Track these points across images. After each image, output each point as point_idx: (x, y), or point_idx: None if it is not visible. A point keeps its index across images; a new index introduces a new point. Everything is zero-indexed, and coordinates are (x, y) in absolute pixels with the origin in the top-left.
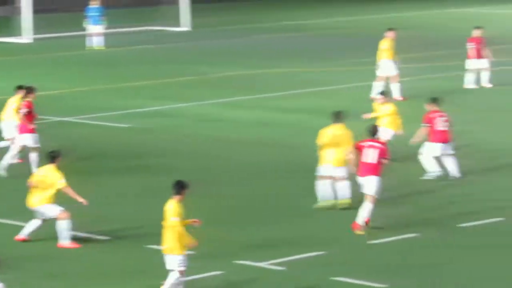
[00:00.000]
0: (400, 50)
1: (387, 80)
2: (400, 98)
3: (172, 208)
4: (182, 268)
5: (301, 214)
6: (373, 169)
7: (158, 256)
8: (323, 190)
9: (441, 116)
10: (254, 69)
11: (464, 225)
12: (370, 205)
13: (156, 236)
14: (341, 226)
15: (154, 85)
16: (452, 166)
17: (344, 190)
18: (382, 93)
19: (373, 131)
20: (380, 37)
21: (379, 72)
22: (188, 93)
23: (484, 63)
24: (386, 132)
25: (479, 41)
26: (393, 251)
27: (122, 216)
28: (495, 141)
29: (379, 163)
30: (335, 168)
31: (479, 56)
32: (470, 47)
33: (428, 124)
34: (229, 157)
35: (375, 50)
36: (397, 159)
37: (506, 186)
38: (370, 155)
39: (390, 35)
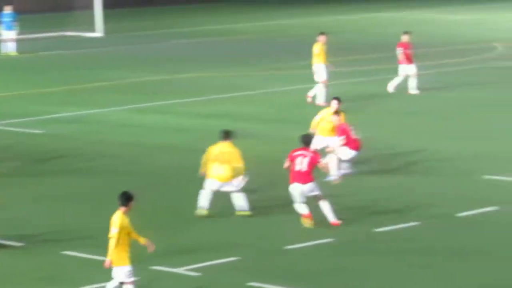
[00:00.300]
0: (328, 54)
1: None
2: (323, 104)
3: (116, 219)
4: (132, 279)
5: (215, 220)
6: (305, 176)
7: (74, 263)
8: (203, 200)
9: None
10: (170, 74)
11: (379, 230)
12: (325, 203)
13: (71, 241)
14: (256, 232)
15: (67, 91)
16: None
17: (240, 202)
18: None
19: (305, 140)
20: (301, 41)
21: (316, 77)
22: (102, 99)
23: (412, 68)
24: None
25: (407, 46)
26: (308, 256)
27: (37, 221)
28: (410, 145)
29: (310, 170)
30: (221, 183)
31: (409, 61)
32: (399, 52)
33: (343, 137)
34: (140, 162)
35: (295, 54)
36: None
37: (424, 191)
38: (301, 164)
39: (321, 39)
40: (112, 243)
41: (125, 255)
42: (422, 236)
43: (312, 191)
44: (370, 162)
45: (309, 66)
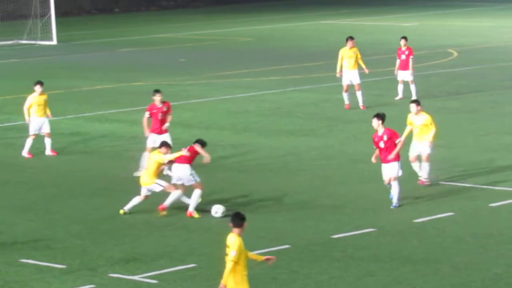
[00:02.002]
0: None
1: None
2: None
3: (234, 241)
4: None
5: (172, 227)
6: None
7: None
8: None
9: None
10: (117, 82)
11: (335, 236)
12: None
13: (27, 249)
14: (212, 239)
15: (17, 99)
16: None
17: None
18: None
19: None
20: (243, 49)
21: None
22: (54, 108)
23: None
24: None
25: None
26: (263, 263)
27: None
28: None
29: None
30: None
31: (403, 67)
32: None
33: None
34: (91, 169)
35: (240, 63)
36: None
37: (382, 197)
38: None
39: (348, 44)
40: (230, 266)
41: (241, 279)
42: (378, 243)
43: None
44: (327, 169)
45: (251, 74)
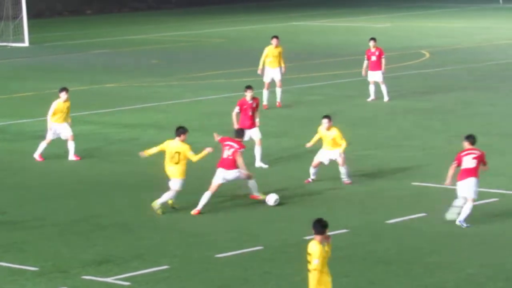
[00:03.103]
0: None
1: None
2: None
3: (316, 249)
4: None
5: (144, 229)
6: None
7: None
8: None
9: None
10: (93, 84)
11: (309, 237)
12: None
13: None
14: (185, 240)
15: None
16: None
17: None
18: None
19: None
20: (216, 50)
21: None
22: (26, 110)
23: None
24: None
25: (372, 53)
26: (238, 265)
27: None
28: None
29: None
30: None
31: (375, 68)
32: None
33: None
34: (61, 171)
35: (212, 64)
36: None
37: (355, 198)
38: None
39: (273, 42)
40: (315, 275)
41: (326, 285)
42: (351, 244)
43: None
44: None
45: (224, 75)
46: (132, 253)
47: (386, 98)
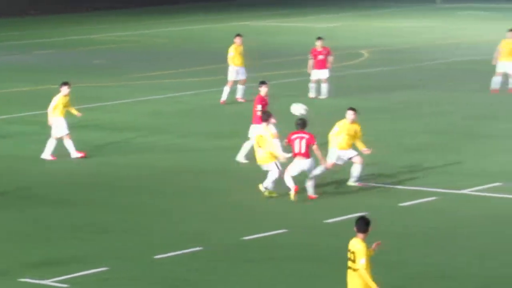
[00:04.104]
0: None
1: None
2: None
3: (361, 248)
4: None
5: (83, 231)
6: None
7: None
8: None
9: None
10: (37, 85)
11: (248, 237)
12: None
13: None
14: (125, 241)
15: None
16: None
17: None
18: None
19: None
20: (161, 50)
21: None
22: None
23: (325, 73)
24: None
25: (319, 52)
26: (178, 265)
27: None
28: None
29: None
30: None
31: (320, 66)
32: (310, 58)
33: None
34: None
35: (157, 64)
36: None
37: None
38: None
39: (237, 40)
40: (365, 274)
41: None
42: (290, 243)
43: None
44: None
45: (168, 75)
46: (71, 254)
47: (324, 96)
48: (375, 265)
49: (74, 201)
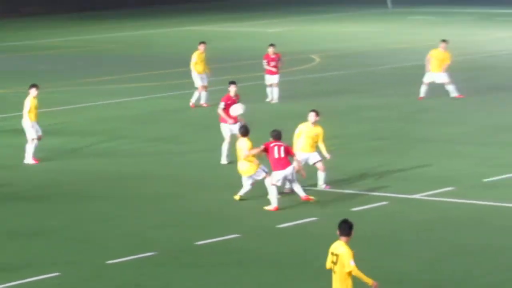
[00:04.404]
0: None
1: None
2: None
3: (346, 251)
4: None
5: (33, 236)
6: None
7: None
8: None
9: None
10: None
11: (200, 242)
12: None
13: None
14: (74, 247)
15: None
16: None
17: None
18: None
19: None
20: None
21: (196, 84)
22: None
23: (275, 78)
24: None
25: (272, 58)
26: (130, 271)
27: None
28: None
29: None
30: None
31: (272, 72)
32: (264, 63)
33: None
34: None
35: (103, 69)
36: None
37: (245, 204)
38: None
39: (201, 47)
40: (359, 273)
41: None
42: (243, 248)
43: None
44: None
45: (115, 81)
46: (22, 260)
47: (275, 100)
48: (324, 270)
49: (24, 207)
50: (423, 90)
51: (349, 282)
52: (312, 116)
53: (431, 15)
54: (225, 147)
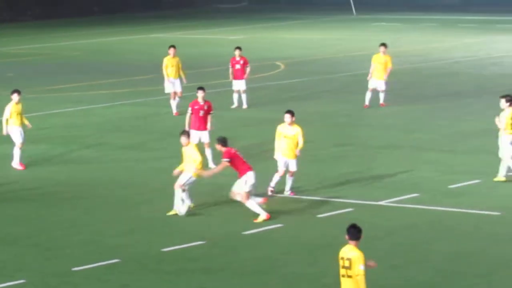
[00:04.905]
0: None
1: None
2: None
3: (358, 255)
4: None
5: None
6: None
7: None
8: None
9: None
10: None
11: (166, 249)
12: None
13: None
14: (40, 254)
15: None
16: None
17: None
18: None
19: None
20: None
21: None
22: None
23: (242, 84)
24: None
25: (237, 62)
26: (94, 278)
27: None
28: None
29: None
30: None
31: (238, 77)
32: (230, 68)
33: None
34: None
35: (68, 76)
36: None
37: (210, 211)
38: None
39: (171, 52)
40: (362, 280)
41: None
42: (208, 255)
43: None
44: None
45: (80, 88)
46: None
47: (244, 106)
48: (289, 277)
49: None
50: (367, 97)
51: (364, 286)
52: (288, 118)
53: (396, 22)
54: (207, 152)
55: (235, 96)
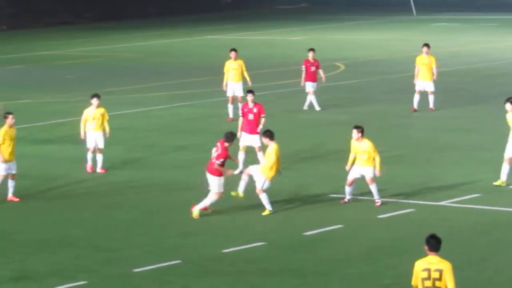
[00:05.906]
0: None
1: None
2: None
3: (450, 266)
4: None
5: (59, 245)
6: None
7: None
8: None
9: None
10: (5, 100)
11: (226, 250)
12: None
13: None
14: (101, 256)
15: None
16: None
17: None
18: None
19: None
20: (131, 65)
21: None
22: None
23: (314, 86)
24: None
25: (311, 64)
26: (154, 279)
27: None
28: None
29: None
30: None
31: (311, 78)
32: (303, 69)
33: None
34: None
35: (127, 79)
36: None
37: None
38: None
39: (232, 55)
40: None
41: None
42: (268, 256)
43: None
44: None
45: (139, 90)
46: (49, 268)
47: (317, 108)
48: (349, 277)
49: (45, 215)
50: (416, 100)
51: None
52: (354, 134)
53: (456, 22)
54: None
55: (308, 98)
